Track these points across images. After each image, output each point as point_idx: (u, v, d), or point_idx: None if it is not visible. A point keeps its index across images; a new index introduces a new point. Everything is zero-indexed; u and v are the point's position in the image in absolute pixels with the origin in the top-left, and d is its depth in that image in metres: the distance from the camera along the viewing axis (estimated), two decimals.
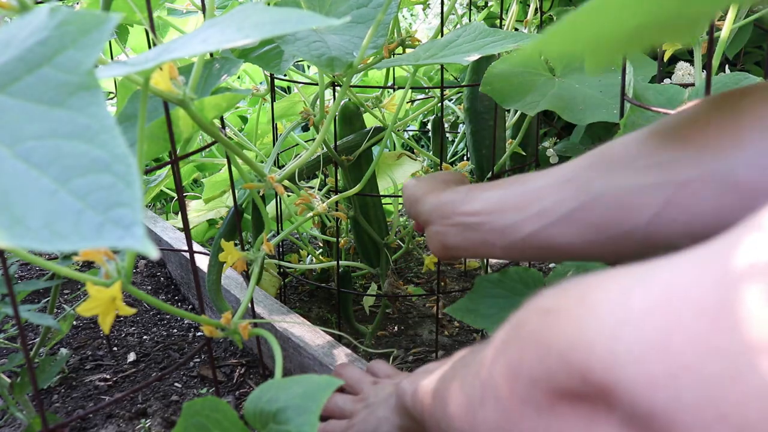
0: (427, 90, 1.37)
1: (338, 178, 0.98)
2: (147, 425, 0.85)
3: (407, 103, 1.32)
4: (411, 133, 1.85)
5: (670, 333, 0.23)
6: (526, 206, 0.47)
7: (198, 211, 1.28)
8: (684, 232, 0.39)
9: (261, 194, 0.73)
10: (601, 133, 1.44)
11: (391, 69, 1.08)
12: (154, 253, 0.26)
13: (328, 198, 0.84)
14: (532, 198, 0.47)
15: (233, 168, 0.79)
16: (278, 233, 1.01)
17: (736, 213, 0.31)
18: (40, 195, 0.27)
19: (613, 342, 0.24)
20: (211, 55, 0.73)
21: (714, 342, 0.22)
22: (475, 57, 0.65)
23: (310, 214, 0.76)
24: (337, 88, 0.88)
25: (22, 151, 0.27)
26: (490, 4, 1.65)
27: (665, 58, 0.82)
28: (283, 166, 1.04)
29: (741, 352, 0.21)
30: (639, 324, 0.24)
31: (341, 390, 0.69)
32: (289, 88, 1.54)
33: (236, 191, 0.84)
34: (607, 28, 0.32)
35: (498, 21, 1.39)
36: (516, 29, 1.22)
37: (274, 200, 1.16)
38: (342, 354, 0.86)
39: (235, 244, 0.72)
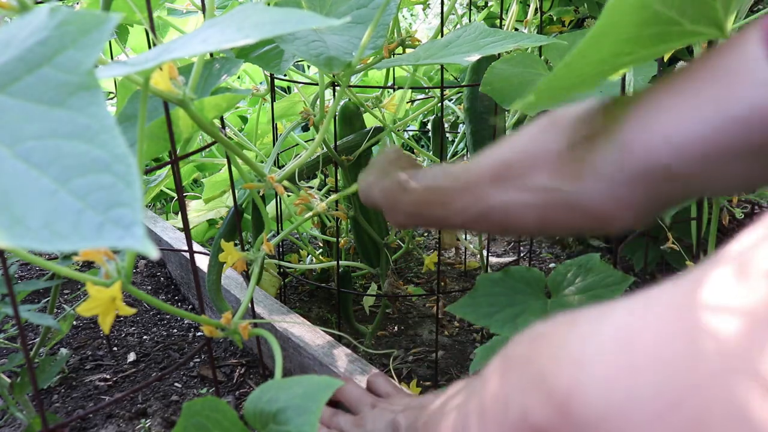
0: (427, 90, 1.37)
1: (338, 178, 0.98)
2: (147, 425, 0.85)
3: (407, 103, 1.32)
4: (411, 133, 1.85)
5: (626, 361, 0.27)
6: (445, 204, 0.57)
7: (198, 211, 1.28)
8: (561, 231, 0.53)
9: (261, 194, 0.73)
10: None
11: (391, 69, 1.08)
12: (154, 253, 0.26)
13: (328, 198, 0.84)
14: (446, 199, 0.56)
15: (233, 168, 0.79)
16: (278, 233, 1.01)
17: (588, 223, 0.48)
18: (40, 195, 0.26)
19: (578, 368, 0.29)
20: (211, 55, 0.73)
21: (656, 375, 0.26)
22: (475, 57, 0.64)
23: (310, 213, 0.76)
24: (338, 88, 0.88)
25: (22, 151, 0.27)
26: (490, 4, 1.65)
27: (665, 59, 0.82)
28: (283, 166, 1.04)
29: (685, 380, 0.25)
30: (600, 358, 0.28)
31: (340, 406, 0.69)
32: (289, 88, 1.54)
33: (236, 191, 0.84)
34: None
35: (498, 21, 1.39)
36: (516, 29, 1.22)
37: (274, 200, 1.16)
38: (342, 354, 0.86)
39: (235, 244, 0.72)
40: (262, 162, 1.11)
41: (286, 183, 0.75)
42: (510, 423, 0.34)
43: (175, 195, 1.57)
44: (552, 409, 0.30)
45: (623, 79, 0.72)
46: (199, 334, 1.10)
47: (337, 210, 0.89)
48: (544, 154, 0.50)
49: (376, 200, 0.65)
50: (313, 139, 1.24)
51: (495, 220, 0.54)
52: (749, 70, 0.37)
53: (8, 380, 0.74)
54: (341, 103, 0.99)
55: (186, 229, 0.69)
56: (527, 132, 0.53)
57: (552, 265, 1.49)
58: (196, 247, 1.25)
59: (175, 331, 1.12)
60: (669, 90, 0.43)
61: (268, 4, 0.64)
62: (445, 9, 0.92)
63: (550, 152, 0.50)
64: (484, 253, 1.21)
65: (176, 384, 0.95)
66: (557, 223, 0.51)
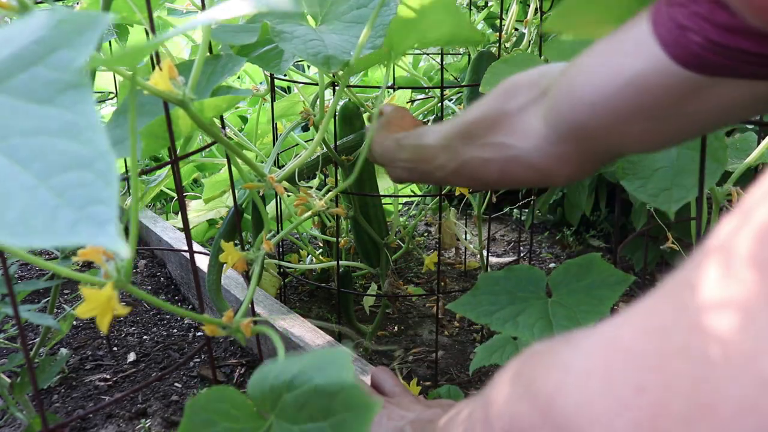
0: (427, 90, 1.37)
1: (338, 177, 0.98)
2: (147, 425, 0.85)
3: (407, 103, 1.32)
4: None
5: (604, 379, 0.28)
6: (430, 160, 0.64)
7: (198, 211, 1.28)
8: (519, 183, 0.62)
9: (261, 194, 0.73)
10: None
11: (392, 69, 1.08)
12: (125, 252, 0.25)
13: (328, 196, 0.84)
14: (430, 156, 0.64)
15: (233, 168, 0.79)
16: (278, 233, 1.01)
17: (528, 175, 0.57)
18: (20, 190, 0.27)
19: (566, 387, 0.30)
20: (211, 51, 0.73)
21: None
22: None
23: (309, 212, 0.76)
24: (338, 88, 0.88)
25: (6, 147, 0.27)
26: (490, 4, 1.65)
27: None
28: (284, 165, 1.04)
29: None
30: (583, 359, 0.30)
31: None
32: (289, 88, 1.54)
33: (236, 191, 0.84)
34: None
35: (498, 21, 1.39)
36: (516, 29, 1.22)
37: (274, 200, 1.16)
38: None
39: (235, 244, 0.72)
40: (262, 162, 1.11)
41: (285, 183, 0.74)
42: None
43: (175, 195, 1.57)
44: (536, 411, 0.31)
45: None
46: (199, 334, 1.10)
47: (337, 207, 0.89)
48: (500, 115, 0.58)
49: (377, 157, 0.72)
50: (313, 139, 1.24)
51: (467, 174, 0.62)
52: (639, 43, 0.45)
53: (8, 380, 0.73)
54: (341, 103, 0.99)
55: (186, 229, 0.69)
56: (490, 95, 0.60)
57: (552, 265, 1.49)
58: (196, 247, 1.25)
59: (175, 331, 1.12)
60: (588, 57, 0.50)
61: None
62: None
63: (506, 114, 0.58)
64: (484, 253, 1.21)
65: (176, 384, 0.95)
66: (514, 176, 0.59)
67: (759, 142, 0.80)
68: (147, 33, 0.85)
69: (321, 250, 1.27)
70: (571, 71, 0.51)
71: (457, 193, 0.93)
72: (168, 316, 1.16)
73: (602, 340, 0.29)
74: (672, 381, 0.24)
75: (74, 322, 1.10)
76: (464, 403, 0.51)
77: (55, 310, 0.85)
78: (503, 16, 1.19)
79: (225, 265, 0.72)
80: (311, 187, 0.90)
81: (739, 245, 0.24)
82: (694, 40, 0.42)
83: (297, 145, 1.17)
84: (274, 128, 1.08)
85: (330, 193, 0.82)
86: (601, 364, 0.28)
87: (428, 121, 1.63)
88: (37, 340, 0.84)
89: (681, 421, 0.23)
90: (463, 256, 1.43)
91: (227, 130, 1.01)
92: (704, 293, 0.24)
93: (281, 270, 1.18)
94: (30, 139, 0.28)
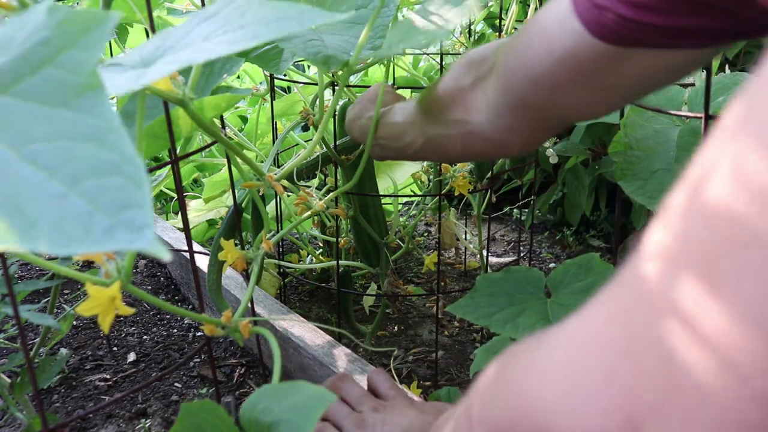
0: None
1: (338, 177, 0.98)
2: (147, 425, 0.85)
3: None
4: None
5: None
6: (400, 137, 0.67)
7: (198, 211, 1.28)
8: (480, 156, 0.71)
9: (261, 194, 0.73)
10: (601, 132, 1.43)
11: (391, 69, 1.08)
12: (166, 256, 0.25)
13: (327, 196, 0.84)
14: (399, 132, 0.67)
15: (233, 167, 0.79)
16: (278, 233, 1.01)
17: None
18: (50, 198, 0.26)
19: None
20: None
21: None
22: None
23: (309, 212, 0.76)
24: (337, 87, 0.87)
25: (28, 153, 0.27)
26: (489, 4, 1.65)
27: None
28: (283, 165, 1.04)
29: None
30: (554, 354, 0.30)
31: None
32: (288, 87, 1.54)
33: (236, 191, 0.84)
34: None
35: (498, 21, 1.39)
36: (515, 29, 1.22)
37: (274, 200, 1.16)
38: (342, 354, 0.86)
39: (235, 243, 0.72)
40: (261, 162, 1.11)
41: (285, 183, 0.74)
42: None
43: (175, 195, 1.57)
44: (518, 415, 0.31)
45: None
46: (199, 334, 1.10)
47: (336, 207, 0.89)
48: (457, 91, 0.61)
49: (356, 134, 0.74)
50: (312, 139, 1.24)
51: (433, 150, 0.66)
52: (563, 23, 0.49)
53: (8, 380, 0.74)
54: (340, 102, 0.99)
55: (186, 229, 0.69)
56: (450, 71, 0.63)
57: (552, 265, 1.49)
58: (196, 247, 1.25)
59: (175, 331, 1.12)
60: (523, 38, 0.54)
61: None
62: None
63: (461, 89, 0.61)
64: (484, 253, 1.21)
65: (176, 384, 0.95)
66: (475, 150, 0.63)
67: None
68: (147, 33, 0.85)
69: (321, 250, 1.27)
70: (512, 49, 0.56)
71: (456, 193, 0.93)
72: (168, 316, 1.16)
73: (572, 334, 0.29)
74: (641, 365, 0.24)
75: (74, 322, 1.10)
76: (453, 409, 0.52)
77: (55, 310, 0.85)
78: (503, 16, 1.19)
79: (225, 265, 0.72)
80: (309, 187, 0.90)
81: (674, 203, 0.24)
82: (608, 17, 0.46)
83: (297, 144, 1.17)
84: (274, 128, 1.08)
85: (331, 194, 0.82)
86: (574, 356, 0.28)
87: None
88: (37, 340, 0.84)
89: (652, 407, 0.23)
90: (463, 256, 1.43)
91: (227, 129, 1.01)
92: (654, 270, 0.24)
93: (281, 270, 1.18)
94: (51, 144, 0.27)
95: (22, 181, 0.26)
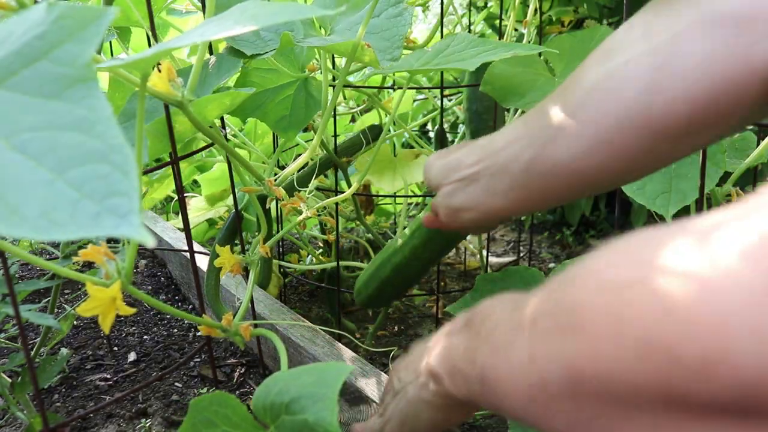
0: (427, 90, 1.37)
1: (337, 179, 0.98)
2: (147, 425, 0.86)
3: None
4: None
5: None
6: (501, 150, 0.55)
7: (198, 211, 1.28)
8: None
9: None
10: None
11: None
12: (150, 242, 0.26)
13: (329, 199, 0.84)
14: (501, 145, 0.55)
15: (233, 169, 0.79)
16: (278, 233, 1.01)
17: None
18: (37, 185, 0.27)
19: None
20: (211, 52, 0.73)
21: None
22: (478, 63, 0.66)
23: (301, 217, 0.76)
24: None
25: (18, 142, 0.28)
26: (489, 4, 1.65)
27: None
28: (284, 166, 1.04)
29: None
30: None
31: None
32: None
33: (236, 193, 0.84)
34: None
35: (498, 21, 1.39)
36: (515, 29, 1.22)
37: (275, 200, 1.16)
38: (342, 354, 0.86)
39: (236, 245, 0.72)
40: (263, 162, 1.11)
41: (283, 192, 0.74)
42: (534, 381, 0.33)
43: (175, 195, 1.57)
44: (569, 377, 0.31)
45: None
46: (199, 334, 1.10)
47: (337, 210, 0.89)
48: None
49: (432, 178, 0.62)
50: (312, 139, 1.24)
51: (544, 169, 0.53)
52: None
53: (9, 380, 0.74)
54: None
55: (186, 229, 0.69)
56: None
57: (552, 265, 1.49)
58: (196, 247, 1.25)
59: (176, 330, 1.12)
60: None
61: None
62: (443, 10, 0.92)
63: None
64: (484, 253, 1.21)
65: (176, 384, 0.95)
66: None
67: (758, 143, 0.80)
68: (148, 35, 0.85)
69: (321, 250, 1.27)
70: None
71: None
72: (168, 316, 1.17)
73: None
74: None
75: (75, 322, 1.10)
76: (451, 324, 0.50)
77: (56, 309, 0.86)
78: (503, 17, 1.19)
79: (222, 270, 0.72)
80: (308, 189, 0.90)
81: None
82: None
83: (297, 145, 1.17)
84: None
85: (327, 200, 0.82)
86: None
87: (427, 122, 1.63)
88: (38, 339, 0.85)
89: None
90: (463, 256, 1.43)
91: (227, 130, 1.02)
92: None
93: (281, 270, 1.19)
94: (40, 133, 0.28)
95: (12, 169, 0.27)
